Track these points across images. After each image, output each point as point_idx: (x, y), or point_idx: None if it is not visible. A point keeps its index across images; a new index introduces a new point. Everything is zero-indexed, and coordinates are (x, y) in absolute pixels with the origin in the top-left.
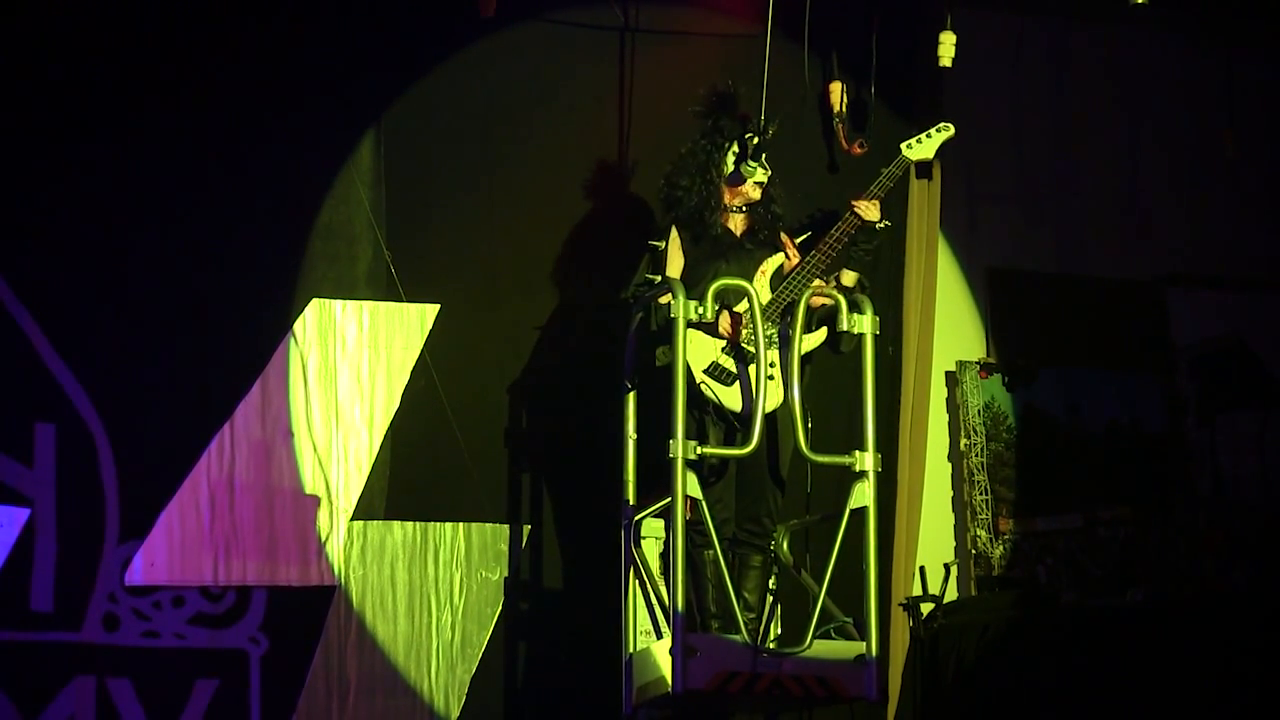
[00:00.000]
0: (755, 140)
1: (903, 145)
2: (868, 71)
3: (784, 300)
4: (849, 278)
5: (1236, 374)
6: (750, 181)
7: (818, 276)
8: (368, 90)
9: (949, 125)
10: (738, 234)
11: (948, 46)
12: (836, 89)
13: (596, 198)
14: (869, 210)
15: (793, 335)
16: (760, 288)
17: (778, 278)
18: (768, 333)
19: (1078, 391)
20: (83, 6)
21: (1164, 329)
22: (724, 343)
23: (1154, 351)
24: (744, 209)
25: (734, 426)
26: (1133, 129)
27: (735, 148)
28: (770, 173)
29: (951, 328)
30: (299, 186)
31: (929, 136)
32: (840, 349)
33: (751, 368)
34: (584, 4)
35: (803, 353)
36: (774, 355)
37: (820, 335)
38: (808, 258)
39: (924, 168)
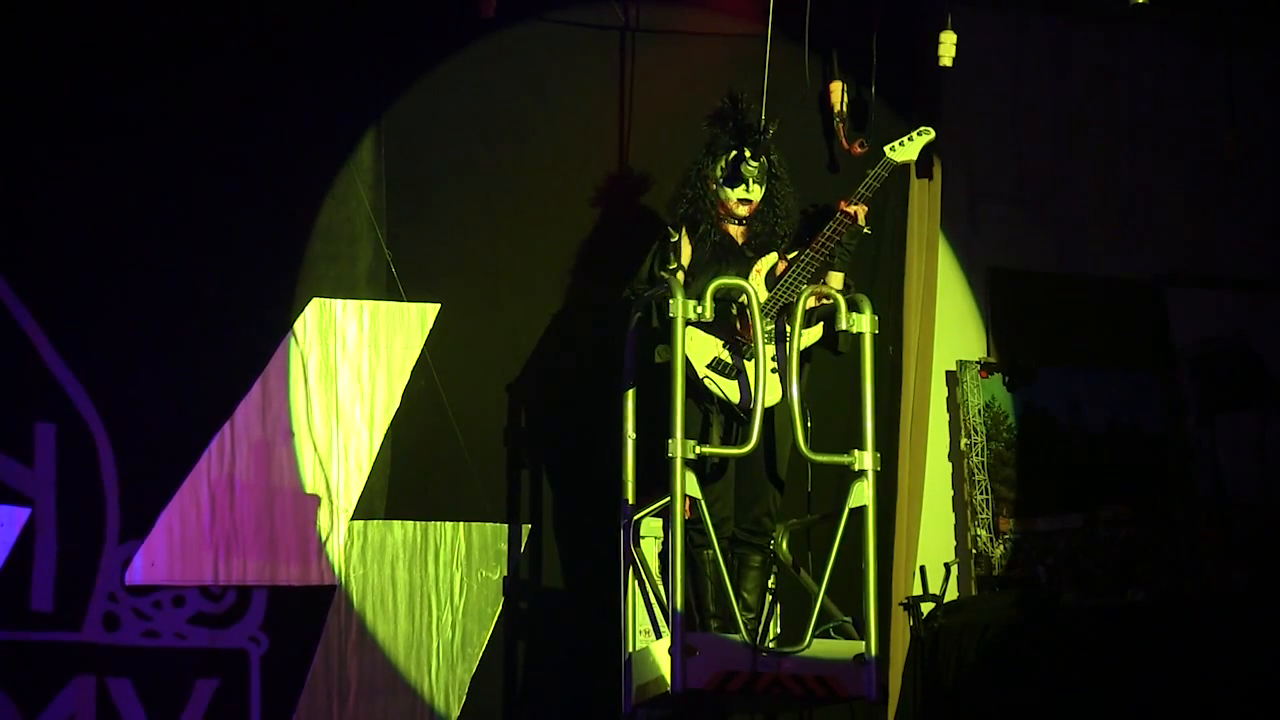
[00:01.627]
0: (748, 153)
1: (886, 148)
2: (868, 71)
3: (779, 300)
4: (836, 279)
5: (1237, 374)
6: (735, 198)
7: (808, 279)
8: (368, 90)
9: (929, 129)
10: (739, 241)
11: (948, 46)
12: (837, 88)
13: (596, 197)
14: (860, 214)
15: (791, 333)
16: (756, 285)
17: (771, 278)
18: (766, 328)
19: (1078, 391)
20: (82, 6)
21: (1164, 329)
22: (724, 340)
23: (1154, 351)
24: (741, 221)
25: (739, 420)
26: (1133, 129)
27: (723, 163)
28: (768, 188)
29: (952, 327)
30: (299, 186)
31: (910, 140)
32: (839, 349)
33: (750, 365)
34: (584, 4)
35: (800, 348)
36: (773, 350)
37: (817, 331)
38: (801, 257)
39: (925, 167)
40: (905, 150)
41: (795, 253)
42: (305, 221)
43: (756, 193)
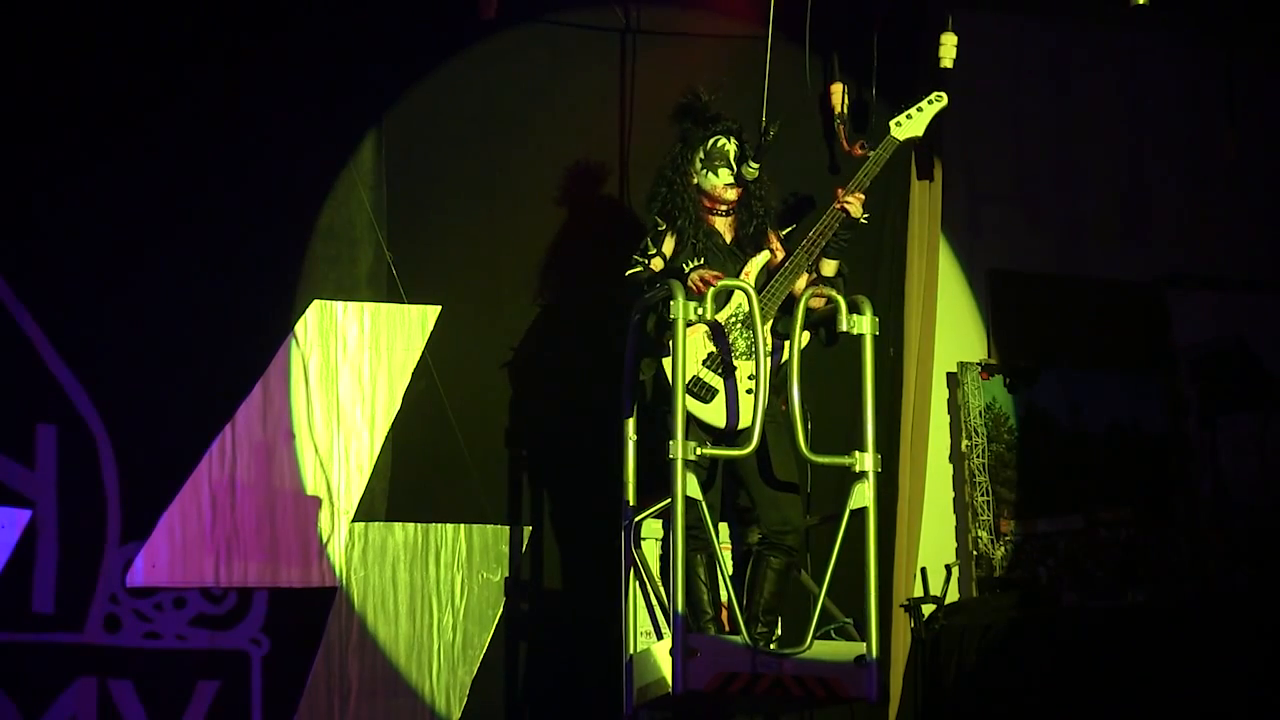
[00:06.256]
0: (723, 138)
1: (891, 124)
2: (869, 72)
3: (773, 298)
4: (829, 267)
5: (1237, 375)
6: (721, 183)
7: (803, 271)
8: (369, 91)
9: (942, 95)
10: (727, 239)
11: (949, 48)
12: (838, 90)
13: (597, 198)
14: (854, 205)
15: (790, 338)
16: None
17: (764, 276)
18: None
19: (1079, 393)
20: (83, 7)
21: (1164, 329)
22: (705, 355)
23: (1155, 352)
24: (728, 212)
25: (716, 442)
26: (1133, 129)
27: (701, 152)
28: (753, 172)
29: (953, 329)
30: (300, 188)
31: (919, 111)
32: (833, 335)
33: (742, 372)
34: (584, 5)
35: (800, 347)
36: (750, 368)
37: (806, 336)
38: (793, 256)
39: (926, 168)
40: (912, 124)
41: (788, 230)
42: (306, 223)
43: (743, 173)
